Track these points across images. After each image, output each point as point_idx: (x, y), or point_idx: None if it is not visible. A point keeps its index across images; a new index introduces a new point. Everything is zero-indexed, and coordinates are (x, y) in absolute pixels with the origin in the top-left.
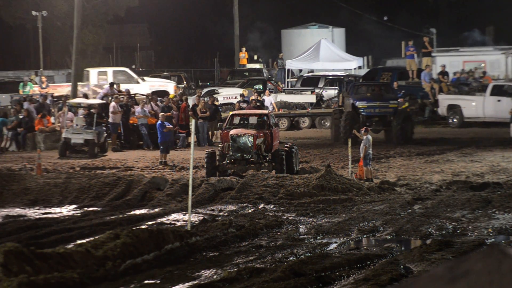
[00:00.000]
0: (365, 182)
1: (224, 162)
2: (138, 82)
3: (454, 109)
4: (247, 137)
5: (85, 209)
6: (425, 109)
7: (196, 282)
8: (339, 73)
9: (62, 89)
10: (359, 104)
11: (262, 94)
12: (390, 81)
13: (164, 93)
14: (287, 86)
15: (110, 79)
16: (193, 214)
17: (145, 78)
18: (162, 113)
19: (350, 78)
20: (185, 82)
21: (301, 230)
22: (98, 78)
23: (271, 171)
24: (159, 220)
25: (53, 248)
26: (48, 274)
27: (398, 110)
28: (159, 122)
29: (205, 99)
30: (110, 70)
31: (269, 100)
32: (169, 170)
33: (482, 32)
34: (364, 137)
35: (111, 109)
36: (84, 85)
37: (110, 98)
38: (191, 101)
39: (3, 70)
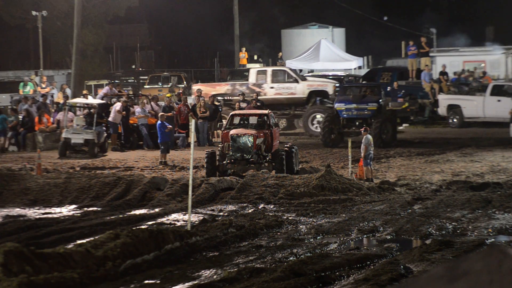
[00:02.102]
0: (365, 182)
1: (224, 162)
2: (297, 82)
3: (454, 109)
4: (247, 137)
5: (85, 209)
6: (425, 109)
7: (196, 282)
8: (339, 73)
9: (221, 88)
10: (337, 106)
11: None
12: (390, 81)
13: (323, 93)
14: None
15: (269, 78)
16: (193, 214)
17: (307, 77)
18: (162, 113)
19: (350, 78)
20: (185, 82)
21: (301, 230)
22: (257, 77)
23: (271, 171)
24: (159, 220)
25: (53, 248)
26: (48, 274)
27: (380, 112)
28: (159, 122)
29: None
30: (269, 69)
31: None
32: (169, 170)
33: (482, 32)
34: (364, 137)
35: (117, 107)
36: (243, 84)
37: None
38: (190, 100)
39: (3, 70)
